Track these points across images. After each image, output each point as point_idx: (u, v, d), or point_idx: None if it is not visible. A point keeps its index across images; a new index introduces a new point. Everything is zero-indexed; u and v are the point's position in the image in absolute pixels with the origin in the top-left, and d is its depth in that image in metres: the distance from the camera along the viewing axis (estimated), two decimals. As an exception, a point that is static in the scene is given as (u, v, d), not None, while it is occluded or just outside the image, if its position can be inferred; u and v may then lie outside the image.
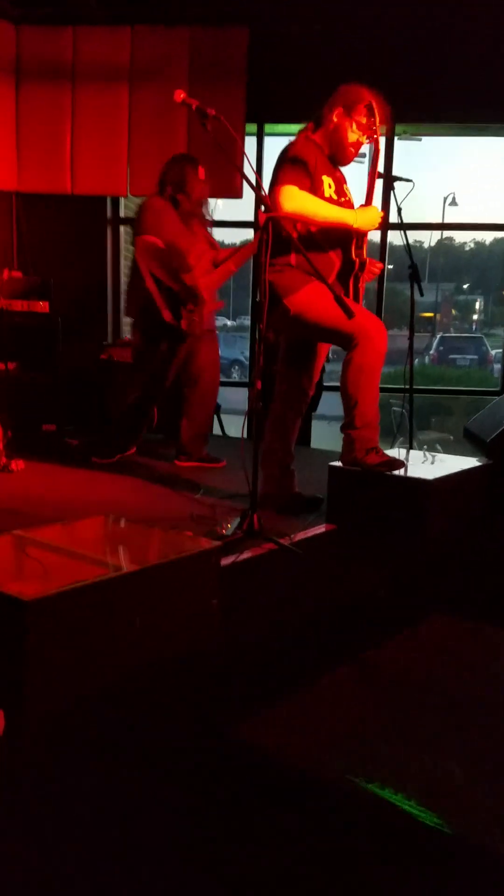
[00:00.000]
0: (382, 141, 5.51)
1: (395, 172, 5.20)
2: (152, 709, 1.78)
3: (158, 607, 1.96)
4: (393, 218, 3.76)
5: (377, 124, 3.03)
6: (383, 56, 5.12)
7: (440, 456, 3.57)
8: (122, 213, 5.97)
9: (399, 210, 3.56)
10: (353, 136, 3.04)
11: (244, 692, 1.90)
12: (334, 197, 3.06)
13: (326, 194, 3.02)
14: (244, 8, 5.06)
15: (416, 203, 4.87)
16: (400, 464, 3.09)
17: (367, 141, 3.08)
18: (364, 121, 3.01)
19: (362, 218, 3.00)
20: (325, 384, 5.36)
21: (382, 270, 5.34)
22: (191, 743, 1.67)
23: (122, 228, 5.97)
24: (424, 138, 6.30)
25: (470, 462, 3.45)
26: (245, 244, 3.90)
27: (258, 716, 1.79)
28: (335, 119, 3.04)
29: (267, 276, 2.94)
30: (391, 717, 1.85)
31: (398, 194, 3.56)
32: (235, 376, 14.14)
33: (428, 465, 3.42)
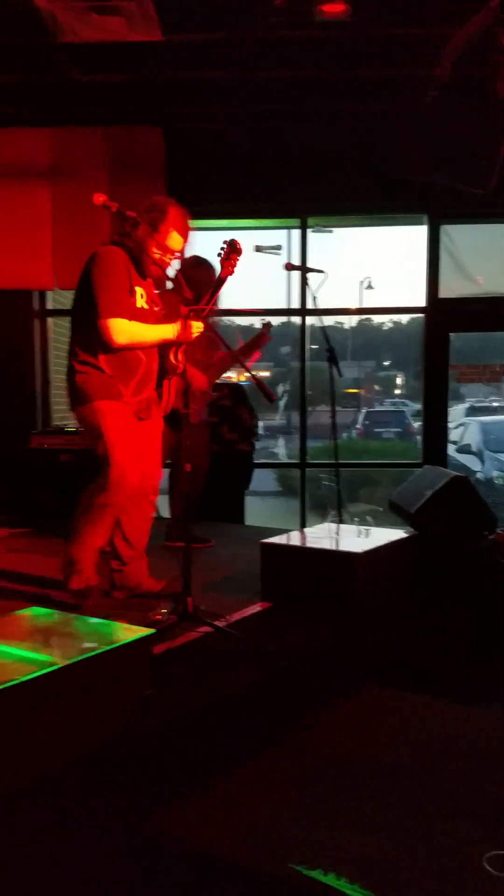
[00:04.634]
0: (296, 234, 5.89)
1: (310, 263, 5.53)
2: (83, 803, 1.73)
3: (90, 699, 1.93)
4: (310, 304, 3.98)
5: (179, 246, 2.98)
6: (293, 153, 5.49)
7: (368, 529, 3.67)
8: (49, 306, 6.07)
9: (314, 298, 3.78)
10: (156, 253, 2.93)
11: (178, 782, 1.86)
12: (146, 307, 2.98)
13: (139, 305, 2.94)
14: (157, 109, 5.36)
15: (336, 287, 5.13)
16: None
17: (171, 259, 2.99)
18: (167, 241, 2.93)
19: (182, 331, 2.89)
20: (256, 461, 5.47)
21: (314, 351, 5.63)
22: (120, 837, 1.63)
23: (49, 320, 6.06)
24: (335, 229, 6.70)
25: (397, 534, 3.55)
26: (251, 340, 4.00)
27: (192, 805, 1.76)
28: (140, 233, 2.89)
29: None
30: (327, 796, 1.85)
31: (313, 284, 3.81)
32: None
33: (356, 538, 3.51)
